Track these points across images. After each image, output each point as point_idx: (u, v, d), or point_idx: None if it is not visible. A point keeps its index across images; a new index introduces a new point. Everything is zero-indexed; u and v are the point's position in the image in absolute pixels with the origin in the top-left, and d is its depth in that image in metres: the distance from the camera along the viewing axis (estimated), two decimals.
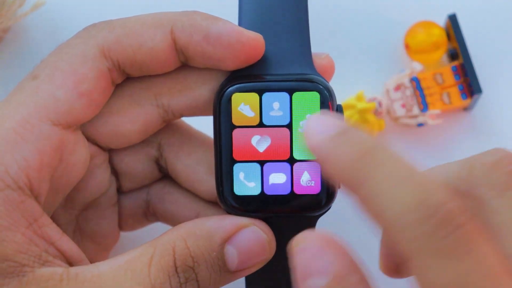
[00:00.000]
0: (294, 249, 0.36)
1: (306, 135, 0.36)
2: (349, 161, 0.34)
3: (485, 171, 0.36)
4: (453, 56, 0.58)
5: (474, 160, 0.37)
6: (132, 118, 0.44)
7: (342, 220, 0.56)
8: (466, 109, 0.59)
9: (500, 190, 0.35)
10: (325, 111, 0.41)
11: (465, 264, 0.31)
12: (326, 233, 0.36)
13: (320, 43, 0.58)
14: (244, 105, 0.42)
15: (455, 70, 0.57)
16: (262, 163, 0.42)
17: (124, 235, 0.52)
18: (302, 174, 0.42)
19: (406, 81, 0.57)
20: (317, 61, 0.44)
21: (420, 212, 0.32)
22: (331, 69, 0.44)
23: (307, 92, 0.41)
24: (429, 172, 0.38)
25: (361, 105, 0.57)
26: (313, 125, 0.36)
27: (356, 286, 0.35)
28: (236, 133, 0.42)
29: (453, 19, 0.57)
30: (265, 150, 0.42)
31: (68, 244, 0.41)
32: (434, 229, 0.32)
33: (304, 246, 0.35)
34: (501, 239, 0.34)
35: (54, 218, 0.46)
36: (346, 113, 0.57)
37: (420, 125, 0.57)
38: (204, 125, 0.48)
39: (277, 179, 0.42)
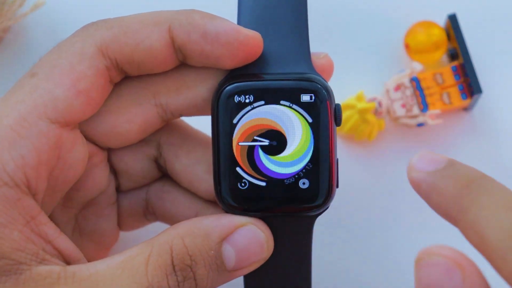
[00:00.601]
0: (422, 261, 0.35)
1: (410, 173, 0.38)
2: (455, 189, 0.35)
3: None
4: (453, 56, 0.58)
5: None
6: (131, 117, 0.44)
7: (340, 220, 0.56)
8: (466, 109, 0.59)
9: None
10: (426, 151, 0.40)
11: None
12: (458, 252, 0.36)
13: (320, 42, 0.58)
14: None
15: (455, 70, 0.57)
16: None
17: (124, 234, 0.52)
18: (300, 173, 0.42)
19: (406, 81, 0.57)
20: (316, 61, 0.44)
21: None
22: (330, 69, 0.44)
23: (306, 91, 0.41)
24: None
25: (361, 105, 0.57)
26: (415, 162, 0.38)
27: None
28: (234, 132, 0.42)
29: (453, 19, 0.57)
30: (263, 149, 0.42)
31: (65, 243, 0.41)
32: None
33: (434, 261, 0.35)
34: None
35: (53, 216, 0.46)
36: (346, 113, 0.57)
37: (420, 125, 0.57)
38: (203, 124, 0.48)
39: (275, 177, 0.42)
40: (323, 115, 0.41)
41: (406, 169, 0.38)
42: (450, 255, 0.35)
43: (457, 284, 0.34)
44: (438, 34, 0.58)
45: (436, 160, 0.38)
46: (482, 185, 0.35)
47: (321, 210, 0.42)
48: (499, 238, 0.33)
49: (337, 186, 0.42)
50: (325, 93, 0.41)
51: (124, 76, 0.44)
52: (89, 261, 0.42)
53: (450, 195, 0.36)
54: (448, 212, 0.36)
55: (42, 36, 0.59)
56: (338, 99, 0.57)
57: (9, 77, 0.59)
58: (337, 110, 0.42)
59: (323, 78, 0.42)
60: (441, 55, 0.58)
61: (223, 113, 0.42)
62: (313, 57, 0.43)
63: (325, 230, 0.56)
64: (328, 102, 0.41)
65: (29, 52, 0.59)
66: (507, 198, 0.34)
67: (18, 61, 0.59)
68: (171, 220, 0.48)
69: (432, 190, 0.37)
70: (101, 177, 0.46)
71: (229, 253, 0.41)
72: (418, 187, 0.37)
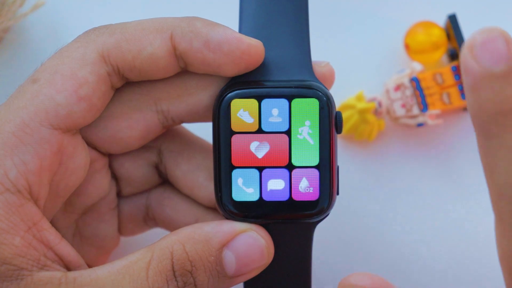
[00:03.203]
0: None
1: (472, 54, 0.34)
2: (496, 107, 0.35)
3: None
4: (453, 56, 0.58)
5: None
6: (132, 123, 0.44)
7: (339, 220, 0.56)
8: (466, 109, 0.59)
9: None
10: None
11: None
12: (376, 280, 0.38)
13: (320, 43, 0.58)
14: (243, 111, 0.42)
15: (455, 70, 0.57)
16: (260, 169, 0.42)
17: (124, 239, 0.52)
18: (301, 180, 0.42)
19: (406, 81, 0.57)
20: (317, 69, 0.44)
21: None
22: (331, 77, 0.44)
23: (306, 99, 0.42)
24: None
25: (361, 105, 0.57)
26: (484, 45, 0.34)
27: None
28: (235, 139, 0.42)
29: (453, 19, 0.57)
30: (264, 156, 0.42)
31: (66, 249, 0.41)
32: None
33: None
34: None
35: (53, 221, 0.46)
36: (346, 113, 0.57)
37: (420, 125, 0.57)
38: (203, 130, 0.48)
39: (276, 185, 0.42)
40: (323, 122, 0.41)
41: (467, 47, 0.35)
42: (368, 283, 0.38)
43: None
44: (438, 34, 0.58)
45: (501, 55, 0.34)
46: None
47: (322, 217, 0.43)
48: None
49: (338, 193, 0.43)
50: (326, 101, 0.42)
51: (125, 82, 0.44)
52: (89, 265, 0.43)
53: (490, 113, 0.35)
54: (478, 125, 0.36)
55: (42, 36, 0.59)
56: (338, 99, 0.58)
57: (9, 77, 0.59)
58: (338, 118, 0.42)
59: (323, 86, 0.42)
60: (441, 55, 0.58)
61: (224, 120, 0.42)
62: (314, 66, 0.44)
63: (324, 231, 0.56)
64: (329, 109, 0.42)
65: (29, 52, 0.59)
66: None
67: (18, 61, 0.59)
68: (171, 226, 0.48)
69: (477, 94, 0.35)
70: (102, 183, 0.46)
71: (230, 259, 0.41)
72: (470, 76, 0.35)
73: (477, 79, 0.34)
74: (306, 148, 0.42)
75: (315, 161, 0.42)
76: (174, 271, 0.40)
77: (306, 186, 0.42)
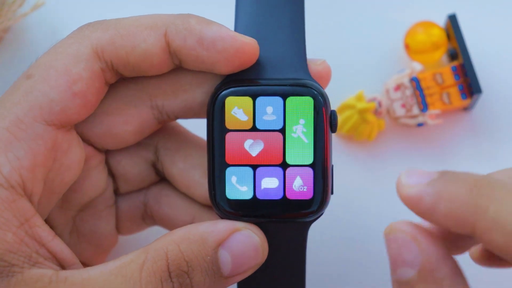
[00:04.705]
0: (386, 238, 0.38)
1: (402, 191, 0.38)
2: (467, 191, 0.36)
3: None
4: (453, 56, 0.58)
5: None
6: (127, 119, 0.44)
7: (339, 220, 0.56)
8: (466, 109, 0.58)
9: None
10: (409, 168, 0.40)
11: None
12: (417, 227, 0.38)
13: (320, 43, 0.58)
14: (237, 109, 0.42)
15: (455, 70, 0.57)
16: (254, 167, 0.42)
17: (124, 239, 0.52)
18: (295, 179, 0.42)
19: (406, 81, 0.57)
20: (313, 67, 0.43)
21: None
22: (327, 76, 0.44)
23: (301, 97, 0.41)
24: None
25: (361, 105, 0.57)
26: (405, 179, 0.38)
27: (445, 279, 0.36)
28: (229, 136, 0.42)
29: (453, 19, 0.57)
30: (258, 155, 0.42)
31: (60, 246, 0.41)
32: None
33: (393, 237, 0.37)
34: None
35: (50, 218, 0.46)
36: (346, 113, 0.57)
37: (420, 125, 0.57)
38: (199, 128, 0.48)
39: (270, 183, 0.42)
40: (318, 121, 0.41)
41: (397, 189, 0.38)
42: (409, 230, 0.37)
43: (415, 256, 0.37)
44: (438, 34, 0.58)
45: (427, 173, 0.38)
46: (489, 182, 0.36)
47: (316, 217, 0.42)
48: None
49: (332, 193, 0.42)
50: (321, 99, 0.41)
51: (119, 77, 0.44)
52: (87, 264, 0.43)
53: (463, 198, 0.36)
54: (463, 217, 0.36)
55: (42, 36, 0.59)
56: (338, 99, 0.58)
57: (9, 77, 0.58)
58: (333, 117, 0.42)
59: (318, 84, 0.42)
60: (441, 55, 0.58)
61: (218, 118, 0.42)
62: (310, 64, 0.43)
63: (324, 230, 0.56)
64: (323, 108, 0.41)
65: (29, 52, 0.60)
66: None
67: (18, 61, 0.60)
68: (169, 224, 0.48)
69: (440, 198, 0.36)
70: (98, 179, 0.46)
71: (225, 258, 0.41)
72: (418, 202, 0.37)
73: (431, 191, 0.37)
74: (300, 146, 0.41)
75: (309, 159, 0.41)
76: (169, 272, 0.40)
77: (300, 185, 0.42)
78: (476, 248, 0.44)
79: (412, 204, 0.37)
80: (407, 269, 0.37)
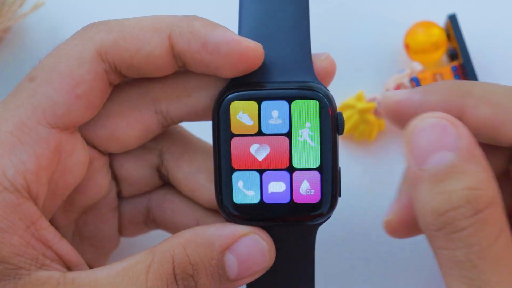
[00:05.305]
0: (416, 129, 0.38)
1: (390, 99, 0.41)
2: (450, 85, 0.41)
3: None
4: (453, 56, 0.58)
5: None
6: (130, 122, 0.44)
7: (339, 220, 0.56)
8: None
9: None
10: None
11: None
12: (447, 114, 0.38)
13: (320, 43, 0.58)
14: (242, 113, 0.42)
15: (455, 70, 0.57)
16: (261, 171, 0.42)
17: (125, 241, 0.52)
18: (302, 182, 0.42)
19: (406, 81, 0.57)
20: (318, 64, 0.43)
21: None
22: (332, 70, 0.44)
23: (307, 100, 0.41)
24: None
25: (361, 105, 0.57)
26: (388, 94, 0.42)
27: (481, 158, 0.37)
28: (235, 141, 0.42)
29: (453, 19, 0.57)
30: (264, 159, 0.42)
31: (66, 248, 0.41)
32: None
33: (427, 124, 0.38)
34: None
35: (53, 220, 0.46)
36: (346, 113, 0.57)
37: None
38: (204, 131, 0.48)
39: (277, 187, 0.42)
40: (324, 124, 0.41)
41: (382, 103, 0.41)
42: (442, 116, 0.38)
43: (454, 139, 0.37)
44: (438, 34, 0.58)
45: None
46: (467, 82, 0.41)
47: (323, 220, 0.43)
48: None
49: (339, 195, 0.42)
50: (327, 102, 0.41)
51: (123, 78, 0.44)
52: (89, 266, 0.43)
53: (449, 88, 0.40)
54: (452, 102, 0.39)
55: (42, 36, 0.59)
56: (338, 99, 0.58)
57: (9, 77, 0.59)
58: (339, 119, 0.42)
59: (324, 87, 0.42)
60: (441, 55, 0.58)
61: (224, 122, 0.42)
62: (314, 59, 0.43)
63: (324, 231, 0.56)
64: (329, 111, 0.41)
65: (29, 52, 0.59)
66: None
67: (18, 61, 0.59)
68: (172, 228, 0.48)
69: (428, 92, 0.41)
70: (102, 182, 0.46)
71: (231, 262, 0.41)
72: (407, 100, 0.41)
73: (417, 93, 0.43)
74: (307, 150, 0.41)
75: (316, 163, 0.42)
76: (175, 275, 0.40)
77: (307, 188, 0.42)
78: (391, 218, 0.45)
79: (401, 104, 0.39)
80: (445, 153, 0.37)
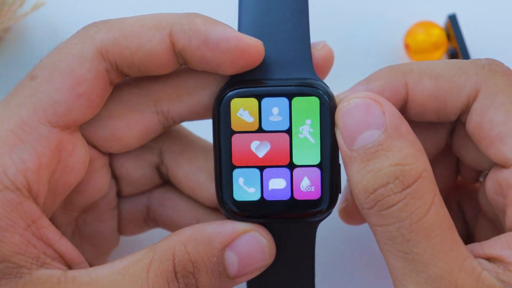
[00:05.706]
0: (343, 110, 0.40)
1: (344, 104, 0.41)
2: (388, 70, 0.42)
3: None
4: (453, 56, 0.58)
5: None
6: (131, 123, 0.44)
7: (338, 220, 0.56)
8: None
9: None
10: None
11: None
12: (371, 93, 0.40)
13: None
14: (243, 111, 0.42)
15: None
16: (261, 168, 0.42)
17: (125, 239, 0.52)
18: (302, 179, 0.42)
19: None
20: (316, 54, 0.43)
21: None
22: (331, 58, 0.44)
23: (307, 97, 0.41)
24: None
25: None
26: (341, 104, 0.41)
27: (409, 134, 0.39)
28: (235, 138, 0.42)
29: (453, 19, 0.57)
30: (265, 156, 0.42)
31: (66, 246, 0.41)
32: None
33: (353, 104, 0.40)
34: None
35: (53, 219, 0.46)
36: None
37: None
38: (204, 130, 0.48)
39: (277, 184, 0.42)
40: (324, 121, 0.41)
41: (337, 114, 0.41)
42: (365, 95, 0.40)
43: (379, 117, 0.39)
44: (438, 34, 0.58)
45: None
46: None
47: (324, 216, 0.43)
48: None
49: (340, 192, 0.42)
50: (327, 99, 0.41)
51: (124, 77, 0.44)
52: (89, 265, 0.43)
53: (390, 73, 0.42)
54: (395, 82, 0.41)
55: (42, 36, 0.59)
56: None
57: (9, 77, 0.59)
58: None
59: (324, 84, 0.42)
60: (441, 55, 0.58)
61: (224, 119, 0.42)
62: (312, 50, 0.43)
63: (323, 229, 0.56)
64: (330, 107, 0.41)
65: (29, 52, 0.59)
66: None
67: (18, 61, 0.59)
68: (172, 226, 0.48)
69: (371, 80, 0.42)
70: (102, 182, 0.46)
71: (232, 259, 0.41)
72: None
73: None
74: (307, 147, 0.41)
75: (316, 160, 0.42)
76: (175, 272, 0.40)
77: (307, 185, 0.42)
78: (344, 205, 0.49)
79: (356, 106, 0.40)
80: (371, 131, 0.39)
